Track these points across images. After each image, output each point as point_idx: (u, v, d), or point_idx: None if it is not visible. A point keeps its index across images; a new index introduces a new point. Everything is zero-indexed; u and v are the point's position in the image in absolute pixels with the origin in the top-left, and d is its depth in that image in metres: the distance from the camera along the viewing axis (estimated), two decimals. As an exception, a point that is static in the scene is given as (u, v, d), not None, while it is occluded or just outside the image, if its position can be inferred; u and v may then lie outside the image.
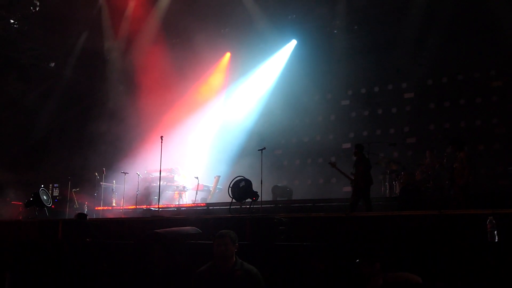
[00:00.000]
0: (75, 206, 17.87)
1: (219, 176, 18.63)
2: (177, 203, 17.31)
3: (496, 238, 6.24)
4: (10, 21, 20.16)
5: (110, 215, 16.65)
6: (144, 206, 16.61)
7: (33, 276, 8.43)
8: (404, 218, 7.94)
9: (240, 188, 12.61)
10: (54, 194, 18.58)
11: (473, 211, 7.73)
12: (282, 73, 20.84)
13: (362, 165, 12.49)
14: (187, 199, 17.77)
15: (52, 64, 22.19)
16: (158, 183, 15.66)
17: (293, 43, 20.71)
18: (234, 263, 5.51)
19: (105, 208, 17.36)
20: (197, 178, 17.01)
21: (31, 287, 8.31)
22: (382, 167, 15.27)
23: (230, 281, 5.40)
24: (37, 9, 20.09)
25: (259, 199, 12.77)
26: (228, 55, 21.72)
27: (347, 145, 19.26)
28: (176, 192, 17.95)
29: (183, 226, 8.54)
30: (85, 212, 16.87)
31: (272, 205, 14.84)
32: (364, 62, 18.82)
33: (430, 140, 17.07)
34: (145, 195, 17.73)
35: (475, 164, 11.57)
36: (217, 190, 18.44)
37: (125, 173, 16.80)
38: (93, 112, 22.11)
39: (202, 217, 10.70)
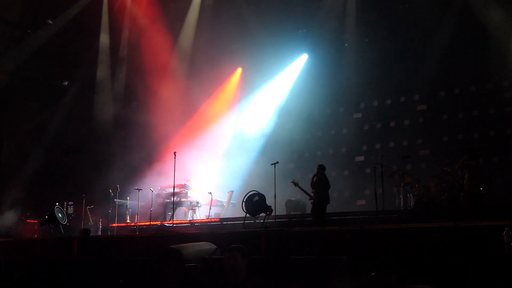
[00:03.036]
0: (89, 223, 17.94)
1: (232, 191, 18.63)
2: (191, 219, 17.32)
3: (513, 250, 6.18)
4: (24, 40, 20.46)
5: (124, 232, 16.69)
6: (158, 222, 16.63)
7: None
8: (419, 231, 7.89)
9: (254, 203, 12.61)
10: (69, 212, 18.68)
11: (489, 223, 7.66)
12: (293, 87, 20.88)
13: (322, 185, 12.92)
14: (201, 215, 17.78)
15: (66, 83, 22.42)
16: (172, 199, 15.70)
17: (304, 57, 20.77)
18: (245, 277, 5.52)
19: (120, 225, 17.40)
20: (210, 193, 17.02)
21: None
22: (396, 180, 15.20)
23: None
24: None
25: (273, 213, 12.77)
26: (239, 70, 21.82)
27: (360, 158, 19.23)
28: (189, 208, 17.96)
29: (198, 242, 8.55)
30: (100, 229, 17.02)
31: (286, 219, 14.82)
32: (375, 75, 18.84)
33: (444, 152, 16.97)
34: (159, 211, 17.76)
35: (481, 175, 11.50)
36: (230, 205, 18.43)
37: (138, 190, 16.86)
38: (107, 130, 22.27)
39: (216, 232, 10.70)
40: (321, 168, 13.37)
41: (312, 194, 13.35)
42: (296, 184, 14.14)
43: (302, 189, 13.87)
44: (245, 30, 20.46)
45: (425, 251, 7.19)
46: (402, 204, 15.05)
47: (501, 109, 17.18)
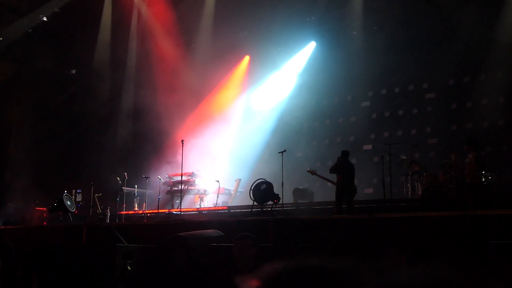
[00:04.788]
0: (98, 211, 18.05)
1: (240, 179, 18.65)
2: (198, 207, 17.38)
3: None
4: (30, 28, 20.48)
5: (132, 220, 16.77)
6: (166, 210, 16.70)
7: (59, 279, 8.54)
8: (428, 219, 7.87)
9: (262, 191, 12.66)
10: (77, 200, 18.78)
11: (497, 212, 7.63)
12: (301, 75, 20.81)
13: (338, 172, 12.50)
14: (208, 203, 17.82)
15: (73, 71, 22.46)
16: (180, 187, 15.74)
17: (312, 45, 20.66)
18: (254, 265, 5.52)
19: (128, 212, 17.48)
20: (218, 181, 17.05)
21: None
22: (404, 169, 15.16)
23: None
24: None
25: (281, 202, 12.78)
26: (247, 58, 21.74)
27: (368, 147, 19.17)
28: (197, 196, 18.01)
29: (205, 229, 8.57)
30: (108, 217, 17.11)
31: (294, 208, 14.83)
32: (384, 63, 18.70)
33: (452, 141, 16.89)
34: (167, 199, 17.84)
35: (485, 166, 11.48)
36: (238, 193, 18.46)
37: (146, 178, 16.94)
38: (115, 118, 22.33)
39: (224, 220, 10.74)
40: (341, 154, 12.89)
41: (334, 181, 12.98)
42: (313, 173, 13.98)
43: (322, 177, 13.65)
44: (252, 18, 20.37)
45: (433, 240, 7.18)
46: (410, 192, 15.03)
47: (510, 98, 17.03)
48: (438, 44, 17.86)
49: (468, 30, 17.15)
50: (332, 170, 12.78)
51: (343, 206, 12.37)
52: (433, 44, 17.97)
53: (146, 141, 20.52)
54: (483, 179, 12.64)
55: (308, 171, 14.36)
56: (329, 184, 18.24)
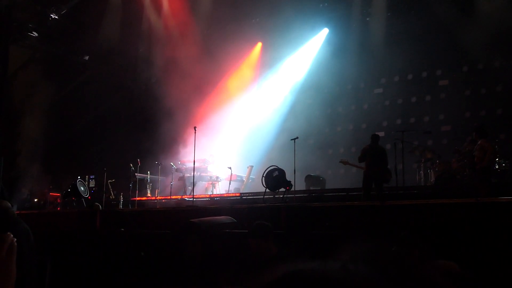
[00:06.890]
0: (111, 197, 18.19)
1: (252, 166, 18.69)
2: (210, 193, 17.46)
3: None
4: (46, 16, 20.50)
5: (145, 206, 16.89)
6: (178, 197, 16.80)
7: (72, 264, 8.64)
8: (440, 206, 7.84)
9: (274, 178, 12.65)
10: (91, 185, 18.93)
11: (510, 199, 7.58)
12: (314, 62, 20.73)
13: (377, 156, 12.40)
14: (221, 189, 17.90)
15: (86, 57, 22.51)
16: (192, 173, 15.82)
17: (325, 31, 20.54)
18: (273, 255, 5.52)
19: (140, 198, 17.61)
20: (230, 168, 17.10)
21: (70, 275, 8.52)
22: (416, 156, 15.11)
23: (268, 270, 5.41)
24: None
25: (292, 189, 12.80)
26: (259, 45, 21.66)
27: (381, 134, 19.06)
28: (209, 182, 18.09)
29: (218, 216, 8.61)
30: (121, 203, 17.26)
31: (306, 195, 14.85)
32: (397, 50, 18.55)
33: (466, 128, 16.78)
34: (179, 186, 17.93)
35: (493, 151, 11.39)
36: (250, 180, 18.50)
37: (159, 164, 17.01)
38: (128, 103, 22.39)
39: (236, 207, 10.76)
40: (370, 138, 12.78)
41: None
42: (346, 163, 14.03)
43: (355, 165, 13.65)
44: (265, 5, 20.25)
45: (446, 227, 7.16)
46: (422, 180, 14.98)
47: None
48: (451, 31, 17.67)
49: (481, 16, 16.96)
50: (360, 157, 12.71)
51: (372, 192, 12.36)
52: (446, 30, 17.78)
53: (159, 127, 20.58)
54: (497, 166, 12.61)
55: (340, 161, 14.37)
56: (342, 171, 18.40)
